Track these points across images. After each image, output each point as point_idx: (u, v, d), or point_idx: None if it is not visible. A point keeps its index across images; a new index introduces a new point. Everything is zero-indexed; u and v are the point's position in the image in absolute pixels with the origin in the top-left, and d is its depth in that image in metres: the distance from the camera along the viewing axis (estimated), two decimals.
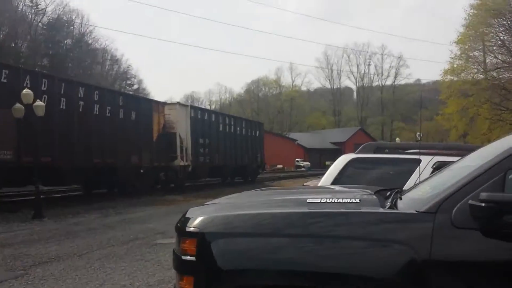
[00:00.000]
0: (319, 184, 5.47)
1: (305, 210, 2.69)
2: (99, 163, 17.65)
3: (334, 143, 79.25)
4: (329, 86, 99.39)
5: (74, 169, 16.52)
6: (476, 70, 39.82)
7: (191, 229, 2.73)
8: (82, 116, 16.80)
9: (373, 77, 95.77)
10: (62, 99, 16.01)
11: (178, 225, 2.92)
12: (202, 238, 2.66)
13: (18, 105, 13.33)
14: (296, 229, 2.54)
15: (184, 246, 2.73)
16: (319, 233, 2.52)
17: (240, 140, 29.63)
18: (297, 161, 69.16)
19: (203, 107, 71.67)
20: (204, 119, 25.37)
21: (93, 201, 17.01)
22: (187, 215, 2.92)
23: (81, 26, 59.90)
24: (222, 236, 2.65)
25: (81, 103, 16.88)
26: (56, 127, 15.61)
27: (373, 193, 3.17)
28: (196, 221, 2.76)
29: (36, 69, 35.87)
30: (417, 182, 3.75)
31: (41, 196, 13.72)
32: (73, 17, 59.04)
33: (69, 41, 58.85)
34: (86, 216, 13.49)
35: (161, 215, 13.63)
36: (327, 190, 3.88)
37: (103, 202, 16.95)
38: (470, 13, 39.40)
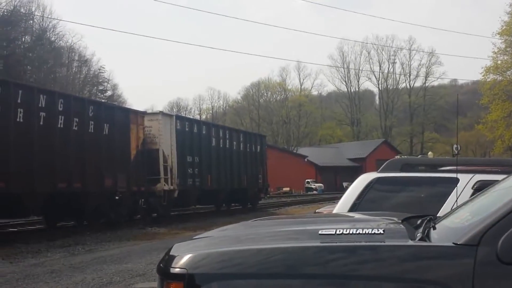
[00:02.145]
0: (334, 211, 5.46)
1: (322, 244, 2.69)
2: (64, 188, 17.63)
3: (352, 160, 79.40)
4: (346, 89, 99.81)
5: (34, 196, 16.47)
6: None
7: (177, 270, 2.71)
8: (43, 130, 16.80)
9: (399, 78, 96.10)
10: (19, 109, 16.02)
11: (161, 265, 2.90)
12: (190, 281, 2.64)
13: None
14: (313, 268, 2.53)
15: None
16: (341, 272, 2.52)
17: (237, 158, 29.64)
18: (308, 182, 69.20)
19: (191, 117, 71.82)
20: (193, 131, 25.41)
21: (57, 236, 16.94)
22: (171, 253, 2.91)
23: (42, 20, 60.38)
24: (217, 278, 2.63)
25: (43, 114, 16.90)
26: (11, 145, 15.58)
27: (400, 221, 3.17)
28: (183, 260, 2.74)
29: None
30: (454, 206, 3.74)
31: None
32: (33, 9, 59.54)
33: (27, 38, 59.22)
34: (49, 256, 13.42)
35: (141, 253, 13.57)
36: (343, 218, 3.87)
37: (70, 237, 16.90)
38: None
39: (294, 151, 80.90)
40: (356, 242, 2.66)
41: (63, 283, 9.64)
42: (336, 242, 2.69)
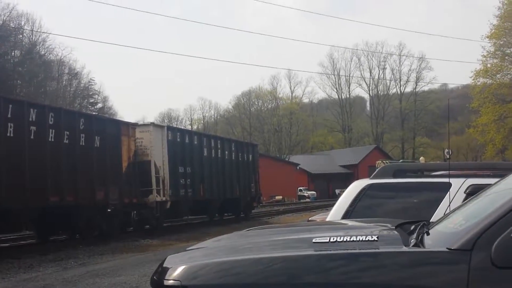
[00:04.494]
0: (328, 218, 5.46)
1: (322, 252, 2.68)
2: (56, 202, 17.53)
3: (344, 167, 79.51)
4: (336, 96, 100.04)
5: (26, 211, 16.37)
6: None
7: (171, 282, 2.69)
8: (34, 144, 16.71)
9: (390, 83, 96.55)
10: (9, 124, 15.94)
11: (154, 277, 2.88)
12: None
13: None
14: (315, 276, 2.52)
15: None
16: (343, 280, 2.50)
17: (229, 167, 29.60)
18: (300, 190, 69.19)
19: (183, 127, 71.89)
20: (184, 142, 25.37)
21: (49, 251, 16.82)
22: (165, 264, 2.89)
23: (32, 34, 60.35)
24: None
25: (33, 128, 16.82)
26: (2, 159, 15.50)
27: (393, 227, 3.16)
28: (177, 272, 2.72)
29: None
30: (448, 211, 3.75)
31: None
32: (22, 23, 59.50)
33: (17, 52, 59.14)
34: (42, 270, 13.32)
35: (134, 265, 13.50)
36: (337, 226, 3.86)
37: (62, 251, 16.79)
38: (506, 1, 39.80)
39: (286, 159, 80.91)
40: (351, 249, 2.65)
41: None
42: (331, 250, 2.67)
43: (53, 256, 15.73)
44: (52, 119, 17.65)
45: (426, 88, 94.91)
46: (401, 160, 44.53)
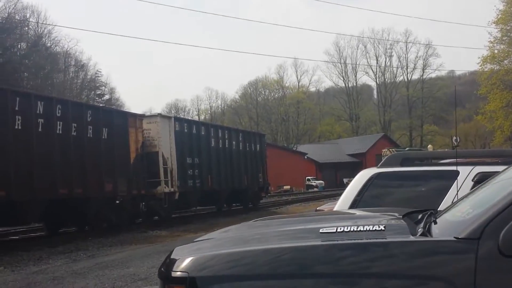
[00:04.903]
0: (335, 208, 5.45)
1: (332, 242, 2.67)
2: (65, 194, 17.61)
3: (352, 155, 79.43)
4: (343, 85, 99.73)
5: (35, 204, 16.46)
6: None
7: (178, 273, 2.69)
8: (42, 137, 16.78)
9: (397, 71, 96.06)
10: (16, 117, 16.00)
11: (162, 269, 2.89)
12: (192, 285, 2.62)
13: None
14: (323, 266, 2.52)
15: None
16: (350, 270, 2.50)
17: (237, 157, 29.62)
18: (308, 179, 69.16)
19: (190, 118, 71.83)
20: (191, 133, 25.38)
21: (59, 243, 16.89)
22: (172, 256, 2.89)
23: (38, 26, 60.36)
24: (219, 281, 2.60)
25: (41, 120, 16.88)
26: (10, 152, 15.58)
27: (401, 216, 3.16)
28: (184, 263, 2.72)
29: None
30: (455, 200, 3.73)
31: None
32: (28, 15, 59.51)
33: (23, 45, 59.17)
34: (51, 262, 13.38)
35: (143, 256, 13.54)
36: (344, 216, 3.86)
37: (72, 243, 16.87)
38: None
39: (294, 149, 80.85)
40: (359, 239, 2.65)
41: None
42: (338, 240, 2.67)
43: (63, 248, 15.81)
44: (60, 111, 17.69)
45: (433, 75, 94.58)
46: (407, 148, 44.34)
